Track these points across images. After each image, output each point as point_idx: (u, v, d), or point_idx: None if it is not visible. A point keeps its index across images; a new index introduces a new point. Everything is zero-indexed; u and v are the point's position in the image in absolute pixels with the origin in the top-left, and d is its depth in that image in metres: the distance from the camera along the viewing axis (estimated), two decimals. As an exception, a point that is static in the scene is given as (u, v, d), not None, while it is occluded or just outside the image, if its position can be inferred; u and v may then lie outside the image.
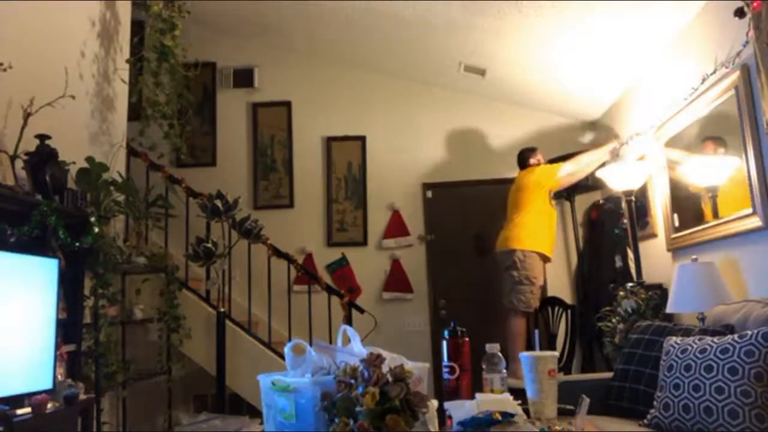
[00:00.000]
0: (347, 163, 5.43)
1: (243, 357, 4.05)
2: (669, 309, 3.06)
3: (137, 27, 4.26)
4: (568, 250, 5.18)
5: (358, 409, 1.28)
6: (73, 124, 3.37)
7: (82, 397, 2.77)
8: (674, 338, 2.39)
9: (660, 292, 3.55)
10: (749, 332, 2.12)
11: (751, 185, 2.82)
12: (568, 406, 1.78)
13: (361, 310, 4.49)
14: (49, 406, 2.45)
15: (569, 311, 4.37)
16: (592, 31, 3.89)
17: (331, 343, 1.70)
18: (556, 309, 4.46)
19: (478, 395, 1.74)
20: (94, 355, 3.12)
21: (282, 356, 3.62)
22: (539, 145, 5.30)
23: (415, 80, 5.45)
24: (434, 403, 1.48)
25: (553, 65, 4.50)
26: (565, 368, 4.18)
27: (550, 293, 5.00)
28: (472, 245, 5.26)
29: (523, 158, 4.54)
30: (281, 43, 5.45)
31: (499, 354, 1.89)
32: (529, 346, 3.93)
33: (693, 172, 3.29)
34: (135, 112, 4.11)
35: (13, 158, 2.64)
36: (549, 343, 4.31)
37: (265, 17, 4.97)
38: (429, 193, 5.35)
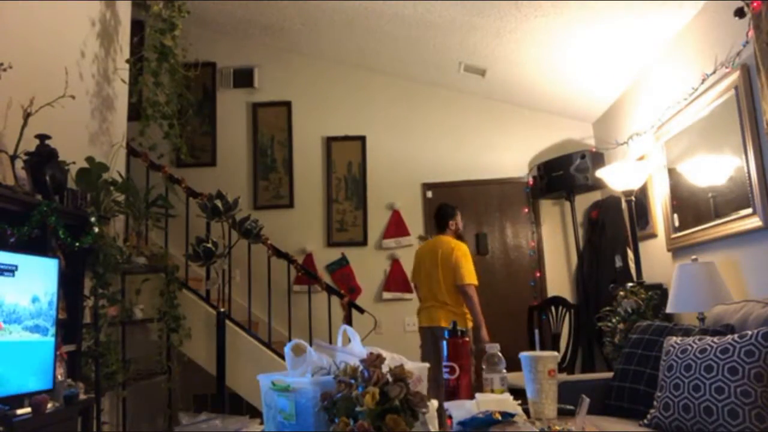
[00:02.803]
0: (347, 163, 5.43)
1: (243, 357, 4.05)
2: (669, 309, 3.06)
3: (137, 27, 4.26)
4: (568, 250, 5.18)
5: (358, 409, 1.28)
6: (73, 124, 3.37)
7: (82, 397, 2.77)
8: (674, 338, 2.39)
9: (660, 292, 3.56)
10: (749, 332, 2.12)
11: (751, 185, 2.82)
12: (568, 406, 1.78)
13: (361, 310, 4.49)
14: (49, 406, 2.45)
15: (572, 311, 4.35)
16: (592, 31, 3.90)
17: (331, 343, 1.70)
18: (560, 309, 4.44)
19: (478, 395, 1.74)
20: (94, 355, 3.12)
21: (282, 356, 3.62)
22: (539, 145, 5.32)
23: (415, 80, 5.45)
24: (434, 403, 1.48)
25: (553, 65, 4.50)
26: (569, 368, 4.16)
27: (552, 293, 5.00)
28: (472, 245, 5.26)
29: (446, 217, 4.01)
30: (281, 43, 5.45)
31: (499, 354, 1.89)
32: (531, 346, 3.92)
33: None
34: (135, 112, 4.11)
35: (13, 158, 2.64)
36: (553, 343, 4.29)
37: (265, 17, 4.97)
38: (429, 193, 5.36)
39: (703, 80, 3.21)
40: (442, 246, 3.92)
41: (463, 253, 3.87)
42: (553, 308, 4.48)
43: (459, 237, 4.08)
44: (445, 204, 4.10)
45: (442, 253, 3.89)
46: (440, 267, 3.87)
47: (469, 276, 3.81)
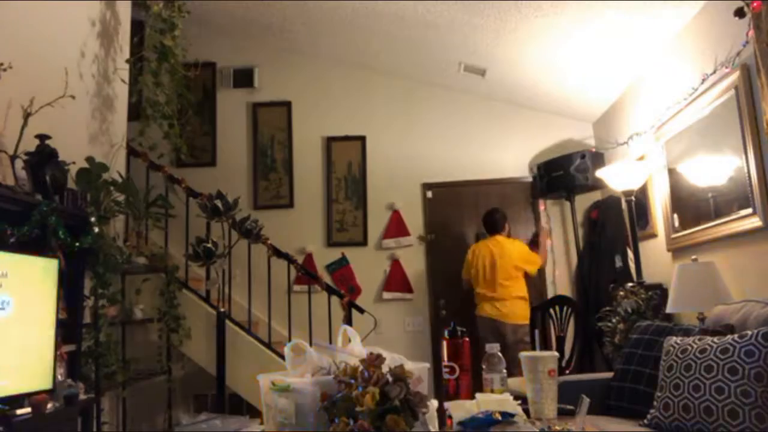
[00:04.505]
0: (347, 163, 5.43)
1: (243, 357, 4.05)
2: (669, 309, 3.06)
3: (137, 27, 4.26)
4: (568, 250, 5.18)
5: (358, 409, 1.28)
6: (73, 124, 3.36)
7: (82, 397, 2.77)
8: (674, 338, 2.39)
9: (660, 292, 3.55)
10: (749, 332, 2.12)
11: (750, 185, 2.82)
12: (568, 406, 1.78)
13: (361, 310, 4.48)
14: (49, 406, 2.45)
15: (577, 311, 4.33)
16: (592, 31, 3.90)
17: (331, 343, 1.70)
18: (564, 308, 4.41)
19: (478, 395, 1.74)
20: (94, 355, 3.12)
21: (282, 356, 3.62)
22: (539, 145, 5.32)
23: (415, 80, 5.45)
24: (434, 403, 1.48)
25: (553, 65, 4.50)
26: (575, 368, 4.10)
27: (551, 293, 5.00)
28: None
29: (496, 222, 4.63)
30: (281, 43, 5.45)
31: (499, 354, 1.89)
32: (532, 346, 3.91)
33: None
34: (135, 112, 4.11)
35: (13, 158, 2.63)
36: (558, 343, 4.26)
37: (265, 17, 4.97)
38: (429, 193, 5.36)
39: (703, 80, 3.21)
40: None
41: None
42: (557, 308, 4.44)
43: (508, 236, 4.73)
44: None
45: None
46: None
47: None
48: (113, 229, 3.61)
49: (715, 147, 3.17)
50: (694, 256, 3.09)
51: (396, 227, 5.31)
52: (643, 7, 3.42)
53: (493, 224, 4.63)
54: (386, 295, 5.23)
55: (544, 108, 5.28)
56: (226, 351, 3.99)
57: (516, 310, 4.38)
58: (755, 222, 2.81)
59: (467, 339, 1.91)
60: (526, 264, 4.51)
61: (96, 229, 3.00)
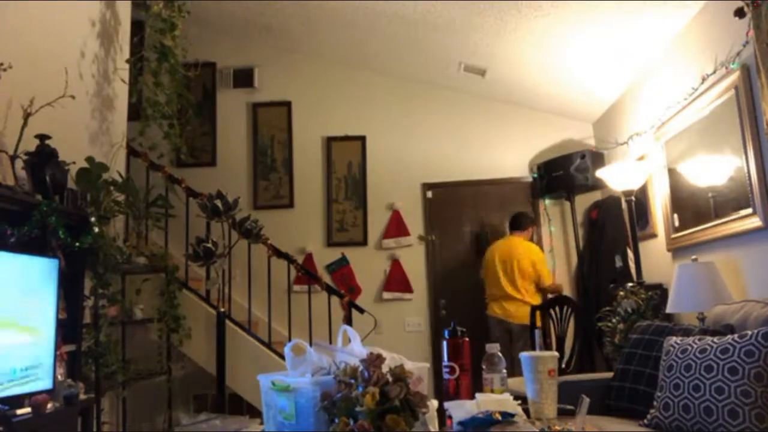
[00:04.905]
0: (347, 163, 5.43)
1: (243, 357, 4.05)
2: (669, 309, 3.06)
3: (137, 27, 4.26)
4: (568, 250, 5.18)
5: (358, 409, 1.28)
6: (73, 124, 3.36)
7: (82, 397, 2.77)
8: (674, 338, 2.39)
9: (660, 292, 3.55)
10: (749, 332, 2.11)
11: (750, 185, 2.82)
12: (568, 406, 1.78)
13: (361, 310, 4.48)
14: (49, 406, 2.45)
15: (577, 310, 4.31)
16: (592, 31, 3.90)
17: (331, 343, 1.70)
18: (564, 309, 4.39)
19: (478, 395, 1.74)
20: (94, 355, 3.12)
21: (282, 356, 3.62)
22: (539, 145, 5.32)
23: (415, 80, 5.45)
24: (434, 403, 1.48)
25: (553, 65, 4.50)
26: (575, 368, 4.08)
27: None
28: (472, 245, 5.26)
29: (519, 221, 4.72)
30: (281, 43, 5.45)
31: (499, 354, 1.89)
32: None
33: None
34: (135, 112, 4.11)
35: (13, 158, 2.63)
36: (558, 344, 4.25)
37: (265, 17, 4.97)
38: (429, 193, 5.36)
39: (703, 80, 3.21)
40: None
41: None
42: (557, 308, 4.42)
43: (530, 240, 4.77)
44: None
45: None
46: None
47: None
48: (113, 229, 3.61)
49: (715, 147, 3.17)
50: (694, 256, 3.09)
51: (396, 227, 5.31)
52: (643, 7, 3.42)
53: (514, 221, 4.73)
54: (386, 295, 5.23)
55: (544, 108, 5.28)
56: (226, 351, 3.99)
57: (522, 310, 4.41)
58: (755, 222, 2.81)
59: (467, 339, 1.91)
60: (533, 269, 4.51)
61: (96, 229, 3.00)
